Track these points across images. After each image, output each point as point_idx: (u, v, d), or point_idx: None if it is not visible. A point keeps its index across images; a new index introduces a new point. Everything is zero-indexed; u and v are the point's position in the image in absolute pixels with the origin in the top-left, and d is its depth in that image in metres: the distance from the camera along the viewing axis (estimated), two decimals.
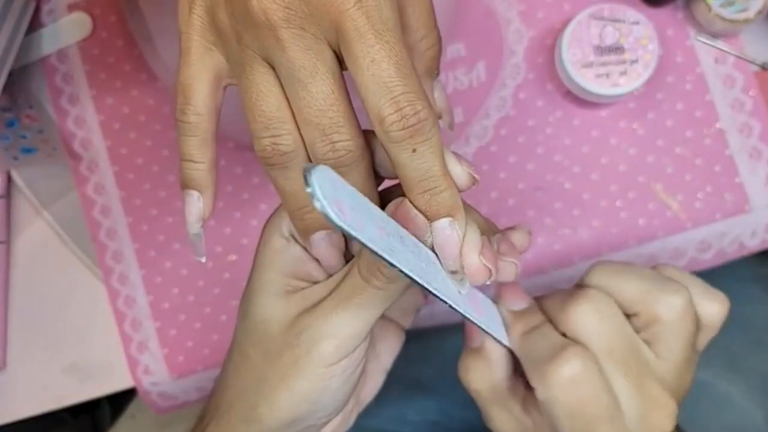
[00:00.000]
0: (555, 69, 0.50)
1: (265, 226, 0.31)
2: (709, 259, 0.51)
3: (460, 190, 0.27)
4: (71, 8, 0.54)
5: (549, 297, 0.34)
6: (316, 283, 0.30)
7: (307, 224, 0.29)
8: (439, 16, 0.30)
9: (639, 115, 0.51)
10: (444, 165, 0.26)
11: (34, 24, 0.54)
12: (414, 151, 0.25)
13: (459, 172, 0.27)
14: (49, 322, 0.55)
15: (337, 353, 0.28)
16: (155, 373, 0.54)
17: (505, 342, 0.33)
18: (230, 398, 0.32)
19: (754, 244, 0.51)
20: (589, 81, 0.47)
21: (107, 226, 0.54)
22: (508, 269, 0.29)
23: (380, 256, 0.22)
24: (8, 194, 0.55)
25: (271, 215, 0.31)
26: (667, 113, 0.51)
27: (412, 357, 0.64)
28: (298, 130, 0.27)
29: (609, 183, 0.51)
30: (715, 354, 0.58)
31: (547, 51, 0.52)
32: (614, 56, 0.47)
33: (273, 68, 0.26)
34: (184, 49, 0.28)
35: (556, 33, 0.51)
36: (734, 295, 0.60)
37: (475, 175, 0.27)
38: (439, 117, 0.30)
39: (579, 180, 0.51)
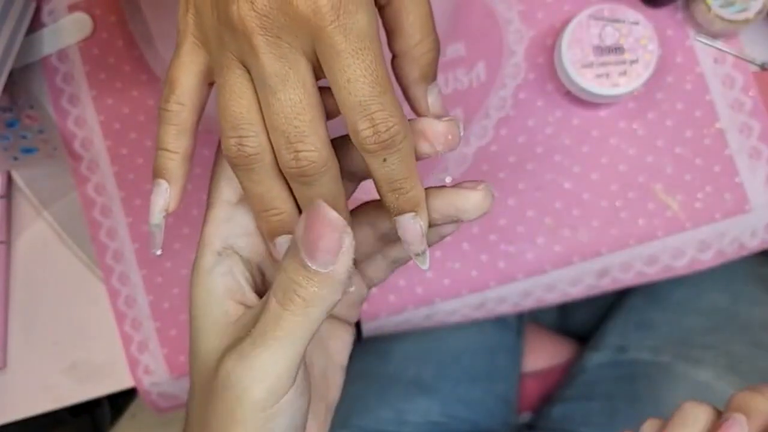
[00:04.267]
0: (555, 69, 0.50)
1: (196, 257, 0.30)
2: (708, 259, 0.51)
3: (445, 150, 0.28)
4: (72, 9, 0.54)
5: None
6: (249, 308, 0.29)
7: (272, 227, 0.29)
8: (439, 17, 0.30)
9: (639, 115, 0.51)
10: (411, 169, 0.28)
11: (35, 24, 0.54)
12: (385, 160, 0.27)
13: (440, 129, 0.28)
14: (50, 321, 0.55)
15: (272, 396, 0.26)
16: (155, 373, 0.54)
17: None
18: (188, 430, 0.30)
19: (753, 244, 0.51)
20: (588, 81, 0.47)
21: (107, 226, 0.54)
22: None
23: None
24: (8, 194, 0.55)
25: (201, 239, 0.30)
26: (667, 113, 0.51)
27: (412, 357, 0.64)
28: (267, 134, 0.27)
29: (609, 183, 0.51)
30: (715, 355, 0.58)
31: (547, 51, 0.52)
32: (614, 56, 0.47)
33: (249, 72, 0.27)
34: (177, 45, 0.29)
35: (556, 33, 0.51)
36: (734, 296, 0.61)
37: (458, 131, 0.28)
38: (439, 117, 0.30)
39: (579, 180, 0.51)
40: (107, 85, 0.54)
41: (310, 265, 0.25)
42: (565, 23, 0.48)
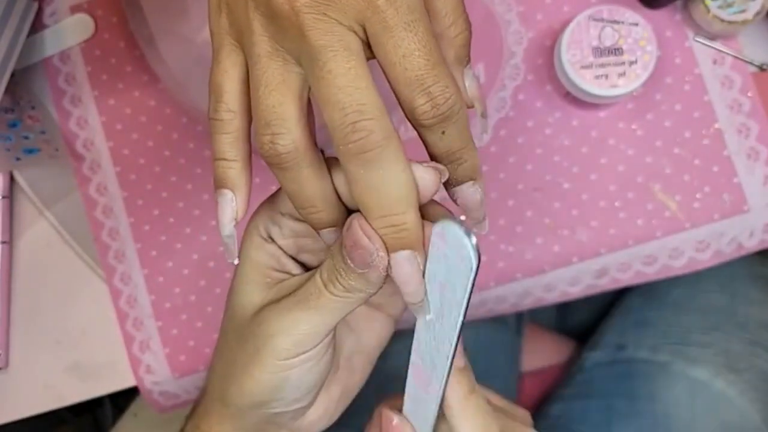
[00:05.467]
0: (554, 70, 0.50)
1: (247, 224, 0.32)
2: (707, 259, 0.51)
3: (429, 196, 0.27)
4: (73, 10, 0.54)
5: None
6: (294, 276, 0.31)
7: (313, 223, 0.29)
8: None
9: (638, 116, 0.51)
10: (468, 137, 0.27)
11: (37, 25, 0.54)
12: (443, 132, 0.26)
13: (427, 177, 0.27)
14: (52, 321, 0.55)
15: (293, 349, 0.29)
16: (157, 372, 0.54)
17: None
18: (212, 379, 0.33)
19: (752, 244, 0.51)
20: (588, 82, 0.48)
21: (109, 226, 0.54)
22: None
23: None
24: (11, 194, 0.55)
25: (253, 214, 0.32)
26: (666, 114, 0.51)
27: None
28: (301, 130, 0.26)
29: (608, 183, 0.51)
30: (713, 354, 0.58)
31: (547, 52, 0.52)
32: (613, 57, 0.48)
33: (289, 64, 0.26)
34: (215, 50, 0.28)
35: (556, 34, 0.51)
36: (732, 295, 0.61)
37: (441, 173, 0.27)
38: (471, 106, 0.30)
39: (578, 180, 0.52)
40: (109, 86, 0.54)
41: (349, 262, 0.27)
42: (565, 24, 0.49)
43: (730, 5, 0.48)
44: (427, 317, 0.28)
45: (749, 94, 0.51)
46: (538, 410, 0.68)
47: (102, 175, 0.54)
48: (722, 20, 0.48)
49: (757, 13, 0.48)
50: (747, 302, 0.60)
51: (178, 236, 0.54)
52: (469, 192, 0.28)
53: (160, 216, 0.54)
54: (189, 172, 0.54)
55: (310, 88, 0.27)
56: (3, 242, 0.54)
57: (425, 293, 0.27)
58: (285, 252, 0.31)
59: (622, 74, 0.47)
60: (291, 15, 0.25)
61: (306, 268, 0.32)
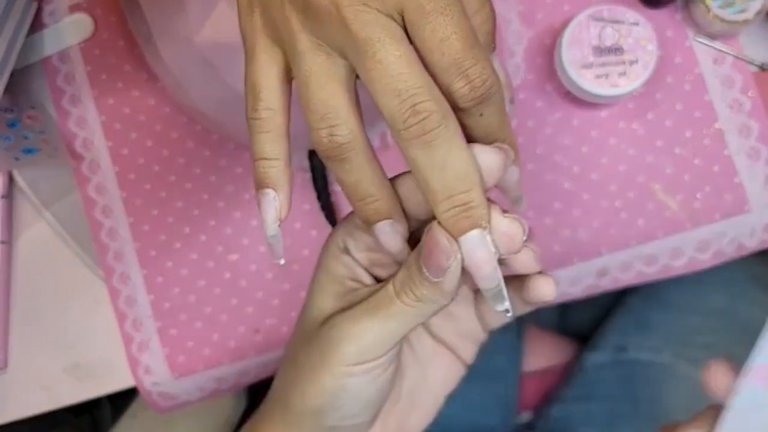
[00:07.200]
0: (554, 70, 0.50)
1: (328, 237, 0.32)
2: (707, 258, 0.51)
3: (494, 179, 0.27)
4: (72, 9, 0.54)
5: None
6: (367, 286, 0.32)
7: (369, 215, 0.28)
8: None
9: (638, 116, 0.51)
10: (505, 117, 0.27)
11: (36, 25, 0.54)
12: (481, 114, 0.26)
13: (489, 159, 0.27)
14: (50, 321, 0.55)
15: (358, 356, 0.29)
16: (156, 373, 0.54)
17: None
18: (277, 383, 0.34)
19: (752, 244, 0.51)
20: (588, 81, 0.47)
21: (108, 226, 0.54)
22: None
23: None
24: (10, 194, 0.55)
25: (334, 228, 0.32)
26: (666, 113, 0.51)
27: None
28: (356, 119, 0.27)
29: (608, 183, 0.51)
30: (715, 355, 0.58)
31: (547, 52, 0.52)
32: (613, 57, 0.48)
33: (332, 56, 0.26)
34: (249, 49, 0.28)
35: (556, 34, 0.51)
36: (733, 295, 0.61)
37: (506, 153, 0.28)
38: None
39: (578, 180, 0.51)
40: (108, 86, 0.54)
41: (424, 271, 0.27)
42: (565, 24, 0.49)
43: (730, 5, 0.48)
44: (505, 305, 0.27)
45: (750, 94, 0.51)
46: (538, 411, 0.68)
47: (101, 174, 0.54)
48: (723, 20, 0.48)
49: (758, 13, 0.48)
50: (748, 303, 0.60)
51: (178, 236, 0.54)
52: (507, 172, 0.28)
53: (160, 216, 0.54)
54: (188, 172, 0.54)
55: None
56: (2, 242, 0.54)
57: (501, 279, 0.27)
58: (359, 263, 0.32)
59: (623, 74, 0.47)
60: (332, 10, 0.25)
61: (378, 282, 0.33)
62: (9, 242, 0.55)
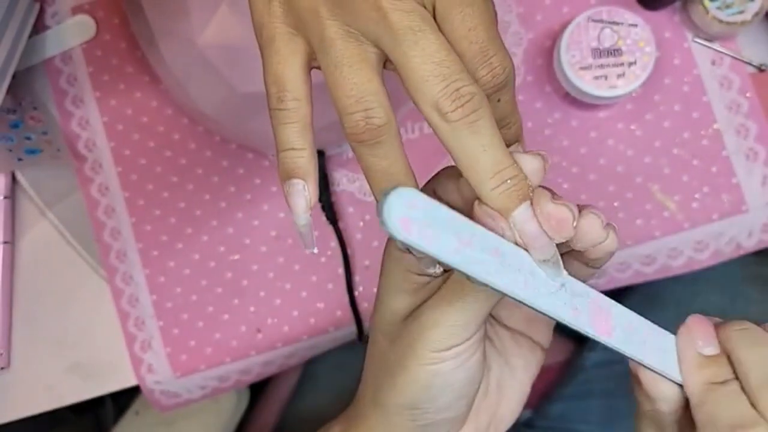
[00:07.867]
0: (553, 71, 0.50)
1: (387, 240, 0.33)
2: (705, 259, 0.52)
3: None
4: (75, 11, 0.54)
5: (740, 342, 0.30)
6: (437, 277, 0.32)
7: None
8: None
9: (637, 117, 0.52)
10: (515, 102, 0.29)
11: (38, 26, 0.54)
12: (499, 100, 0.28)
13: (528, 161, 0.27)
14: (53, 321, 0.55)
15: (445, 340, 0.30)
16: (158, 372, 0.54)
17: (676, 378, 0.31)
18: (364, 385, 0.34)
19: (750, 244, 0.51)
20: (587, 83, 0.48)
21: (111, 226, 0.54)
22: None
23: (456, 269, 0.25)
24: (13, 195, 0.55)
25: None
26: (665, 114, 0.51)
27: None
28: (389, 103, 0.27)
29: (607, 184, 0.52)
30: None
31: (546, 53, 0.52)
32: (612, 58, 0.48)
33: (364, 44, 0.27)
34: (268, 39, 0.28)
35: (555, 35, 0.51)
36: (731, 295, 0.61)
37: (545, 159, 0.28)
38: None
39: (577, 181, 0.52)
40: (110, 87, 0.54)
41: None
42: (564, 25, 0.49)
43: (728, 6, 0.48)
44: (563, 276, 0.27)
45: (748, 95, 0.51)
46: (538, 409, 0.69)
47: (104, 175, 0.54)
48: (721, 21, 0.48)
49: (756, 14, 0.48)
50: (746, 302, 0.60)
51: (180, 236, 0.54)
52: (516, 153, 0.29)
53: (162, 216, 0.54)
54: (190, 173, 0.54)
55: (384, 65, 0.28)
56: (5, 242, 0.54)
57: (555, 249, 0.27)
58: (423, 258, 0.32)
59: (621, 75, 0.48)
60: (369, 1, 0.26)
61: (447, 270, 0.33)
62: (12, 242, 0.55)
